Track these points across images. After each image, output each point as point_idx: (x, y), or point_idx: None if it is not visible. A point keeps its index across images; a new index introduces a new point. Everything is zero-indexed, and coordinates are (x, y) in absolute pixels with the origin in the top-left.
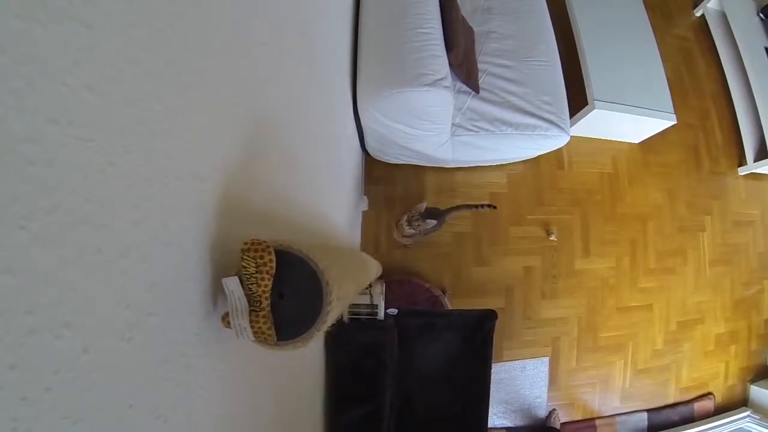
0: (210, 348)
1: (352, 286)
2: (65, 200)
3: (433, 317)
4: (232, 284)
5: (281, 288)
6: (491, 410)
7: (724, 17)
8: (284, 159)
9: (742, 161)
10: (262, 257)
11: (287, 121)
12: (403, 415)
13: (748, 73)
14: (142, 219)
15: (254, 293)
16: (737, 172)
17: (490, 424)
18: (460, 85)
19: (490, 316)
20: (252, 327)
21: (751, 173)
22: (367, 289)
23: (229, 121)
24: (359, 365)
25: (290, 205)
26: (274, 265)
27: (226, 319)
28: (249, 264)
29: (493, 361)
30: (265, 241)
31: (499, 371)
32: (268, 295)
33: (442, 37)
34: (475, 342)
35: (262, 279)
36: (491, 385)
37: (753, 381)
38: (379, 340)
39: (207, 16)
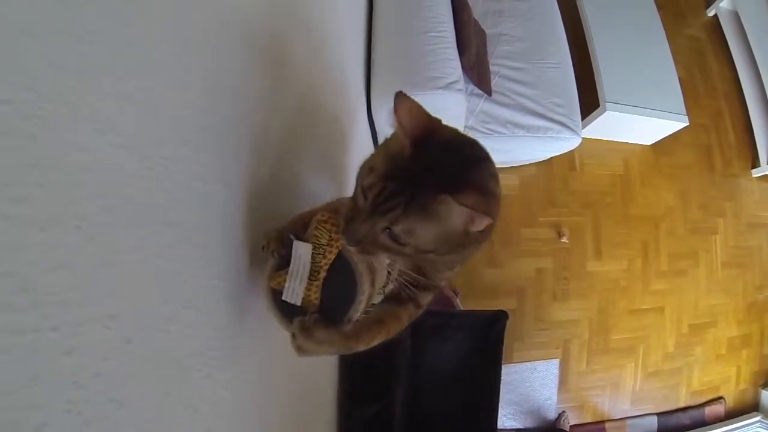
0: (234, 342)
1: (374, 283)
2: (111, 202)
3: (444, 317)
4: (302, 250)
5: None
6: (501, 411)
7: (736, 17)
8: (303, 160)
9: (755, 163)
10: (337, 232)
11: (305, 124)
12: (414, 414)
13: (761, 73)
14: (176, 221)
15: (317, 263)
16: (750, 174)
17: (499, 425)
18: (472, 87)
19: (500, 317)
20: (303, 293)
21: (765, 175)
22: (382, 289)
23: (252, 130)
24: (372, 363)
25: (311, 204)
26: (343, 242)
27: (276, 279)
28: (322, 234)
29: (503, 362)
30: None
31: (509, 372)
32: (327, 268)
33: (454, 40)
34: (486, 343)
35: (330, 252)
36: (501, 386)
37: (765, 386)
38: (392, 339)
39: (230, 32)
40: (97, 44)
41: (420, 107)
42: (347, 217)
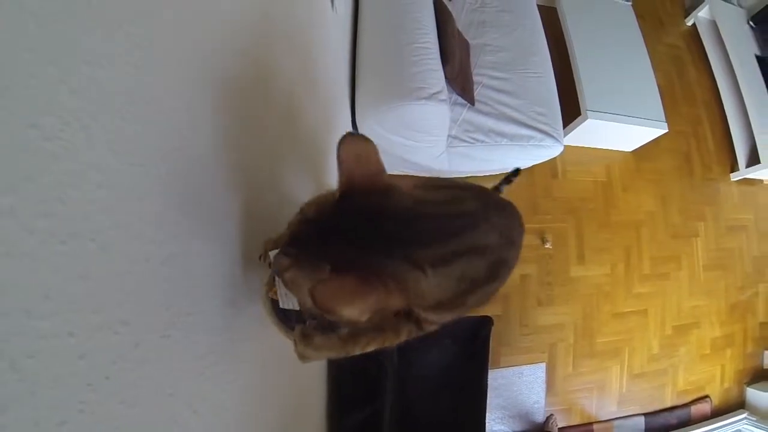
0: (233, 347)
1: None
2: (122, 217)
3: None
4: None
5: None
6: (489, 416)
7: (714, 26)
8: (291, 171)
9: (734, 167)
10: None
11: (292, 136)
12: (403, 421)
13: (738, 80)
14: (182, 233)
15: None
16: (730, 178)
17: (488, 430)
18: (455, 97)
19: (486, 322)
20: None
21: (744, 178)
22: None
23: (248, 145)
24: (360, 370)
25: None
26: None
27: (273, 288)
28: None
29: (490, 367)
30: None
31: (496, 377)
32: None
33: (438, 51)
34: (472, 348)
35: None
36: (489, 391)
37: (749, 383)
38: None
39: (227, 52)
40: (109, 69)
41: (377, 158)
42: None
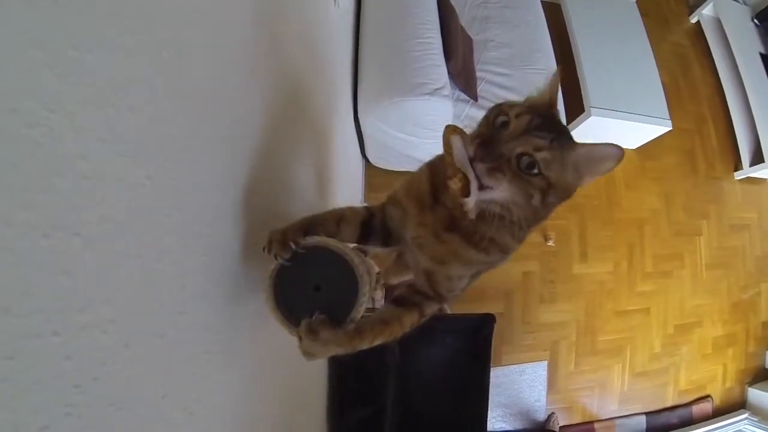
0: (229, 346)
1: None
2: (111, 210)
3: (433, 321)
4: (458, 143)
5: (317, 282)
6: (491, 414)
7: (719, 23)
8: (292, 163)
9: (738, 165)
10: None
11: (294, 129)
12: (405, 418)
13: (743, 78)
14: (175, 227)
15: None
16: (733, 177)
17: (489, 428)
18: (458, 93)
19: (488, 320)
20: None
21: (747, 177)
22: (373, 291)
23: (245, 136)
24: (362, 367)
25: (301, 204)
26: None
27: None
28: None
29: (492, 365)
30: None
31: (498, 375)
32: None
33: (441, 47)
34: (474, 346)
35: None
36: (491, 389)
37: (751, 383)
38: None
39: (229, 42)
40: (99, 54)
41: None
42: (479, 137)
